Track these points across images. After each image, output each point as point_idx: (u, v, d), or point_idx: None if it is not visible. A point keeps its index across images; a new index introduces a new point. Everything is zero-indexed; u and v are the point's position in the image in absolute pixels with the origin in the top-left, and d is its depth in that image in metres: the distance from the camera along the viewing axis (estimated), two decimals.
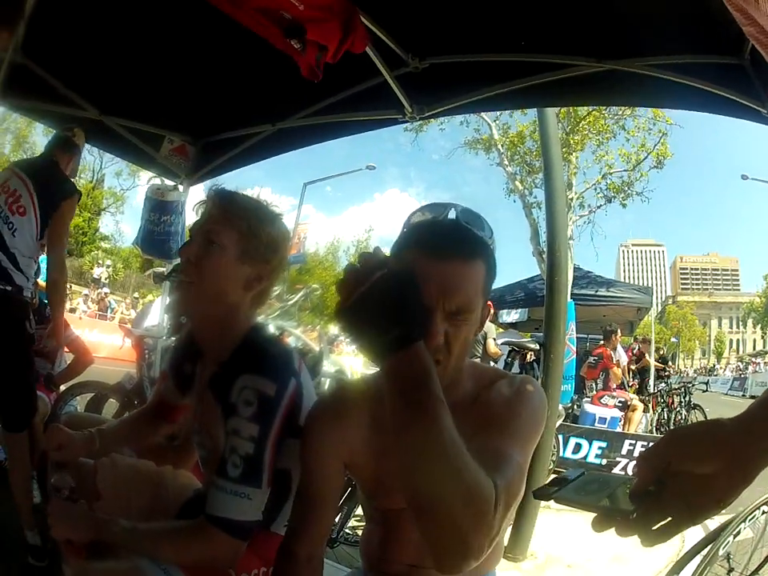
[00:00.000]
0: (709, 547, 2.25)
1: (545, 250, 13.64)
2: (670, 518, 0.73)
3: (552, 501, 0.80)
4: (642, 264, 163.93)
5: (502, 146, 15.62)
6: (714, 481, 0.71)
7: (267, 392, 1.32)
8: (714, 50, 2.66)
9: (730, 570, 2.35)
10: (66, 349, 4.11)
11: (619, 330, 8.79)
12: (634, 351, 11.31)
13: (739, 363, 61.08)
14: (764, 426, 0.72)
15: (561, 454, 6.31)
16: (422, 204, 1.23)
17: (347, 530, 3.20)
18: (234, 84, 3.53)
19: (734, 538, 2.28)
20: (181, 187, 4.60)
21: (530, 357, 7.53)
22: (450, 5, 2.81)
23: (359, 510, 3.18)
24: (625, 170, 15.37)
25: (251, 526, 1.32)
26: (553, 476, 0.86)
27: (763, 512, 2.37)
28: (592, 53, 2.92)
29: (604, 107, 13.64)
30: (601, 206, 15.74)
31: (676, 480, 0.72)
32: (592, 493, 0.78)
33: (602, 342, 8.60)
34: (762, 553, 2.40)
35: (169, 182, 4.63)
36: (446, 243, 1.11)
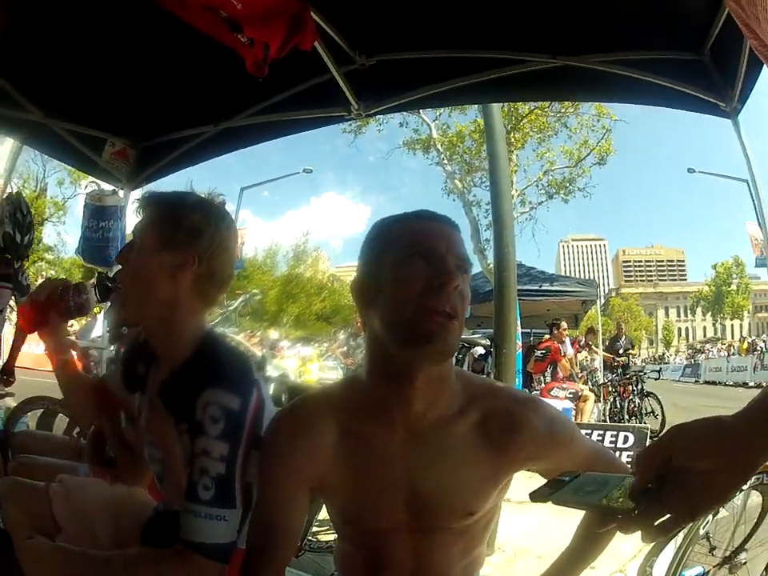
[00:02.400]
0: (687, 528, 2.24)
1: (485, 247, 13.77)
2: (669, 515, 0.73)
3: (549, 502, 0.79)
4: (582, 259, 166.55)
5: (441, 145, 15.68)
6: (715, 476, 0.71)
7: (233, 407, 1.27)
8: (673, 46, 2.70)
9: (712, 548, 2.37)
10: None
11: (564, 323, 8.88)
12: (581, 344, 11.48)
13: (690, 351, 62.64)
14: (764, 422, 0.72)
15: None
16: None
17: (310, 537, 3.10)
18: (174, 85, 3.42)
19: (713, 517, 2.30)
20: (121, 192, 4.44)
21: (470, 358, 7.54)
22: (399, 1, 2.79)
23: (320, 515, 3.11)
24: (567, 167, 15.70)
25: (230, 547, 1.27)
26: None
27: (741, 490, 2.35)
28: (545, 49, 2.93)
29: (546, 105, 13.90)
30: (542, 202, 16.03)
31: (677, 476, 0.72)
32: (591, 493, 0.79)
33: (547, 335, 8.61)
34: (744, 530, 2.40)
35: (107, 187, 4.48)
36: (434, 214, 1.16)
